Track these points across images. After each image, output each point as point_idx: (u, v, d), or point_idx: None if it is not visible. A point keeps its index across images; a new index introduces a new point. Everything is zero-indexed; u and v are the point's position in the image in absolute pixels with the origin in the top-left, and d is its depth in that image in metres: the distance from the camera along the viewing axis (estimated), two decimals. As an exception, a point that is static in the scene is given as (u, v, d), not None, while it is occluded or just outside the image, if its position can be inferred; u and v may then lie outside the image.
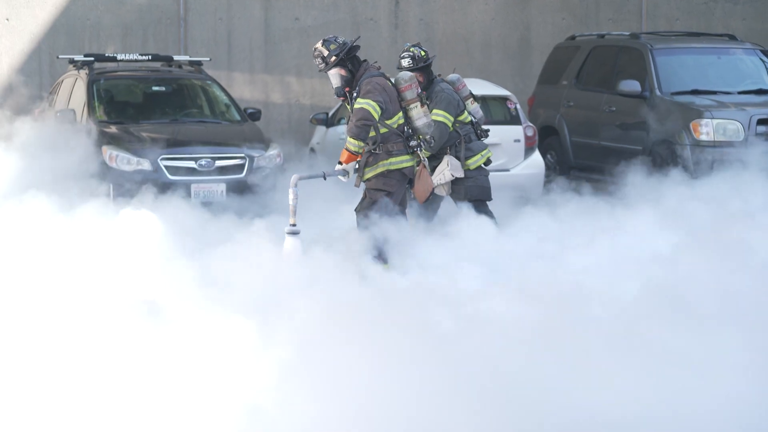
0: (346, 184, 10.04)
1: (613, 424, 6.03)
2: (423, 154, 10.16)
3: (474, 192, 10.91)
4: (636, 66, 15.45)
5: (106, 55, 15.13)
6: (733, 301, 7.47)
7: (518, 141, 14.32)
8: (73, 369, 6.49)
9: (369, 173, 9.85)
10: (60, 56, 15.98)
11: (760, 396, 6.25)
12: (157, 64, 15.29)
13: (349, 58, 9.95)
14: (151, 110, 14.51)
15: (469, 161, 10.93)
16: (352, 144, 9.69)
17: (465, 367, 6.29)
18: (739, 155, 13.76)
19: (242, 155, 13.39)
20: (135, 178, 12.93)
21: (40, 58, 17.97)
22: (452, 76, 11.24)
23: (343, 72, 9.94)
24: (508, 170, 14.13)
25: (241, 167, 13.33)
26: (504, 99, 14.60)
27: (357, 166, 9.83)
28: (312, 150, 16.27)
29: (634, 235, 10.07)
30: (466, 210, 10.82)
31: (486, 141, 11.19)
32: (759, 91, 15.22)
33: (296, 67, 18.79)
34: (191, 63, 15.26)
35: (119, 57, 14.87)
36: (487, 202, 11.00)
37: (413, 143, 9.93)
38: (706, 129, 14.17)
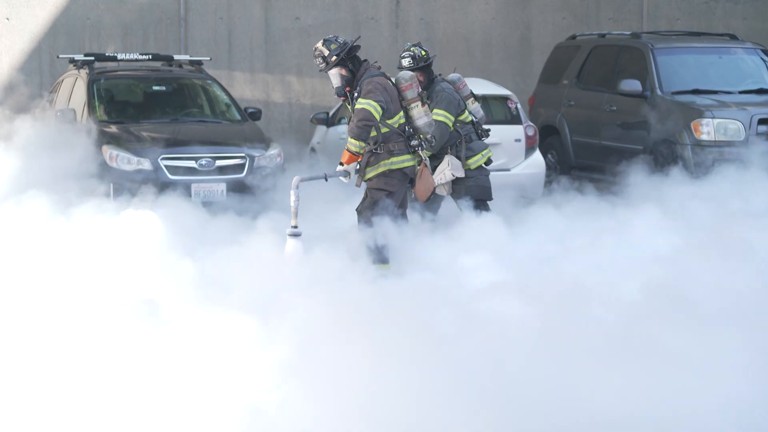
0: (347, 185, 10.03)
1: (614, 424, 6.03)
2: (424, 154, 10.16)
3: (475, 192, 10.90)
4: (637, 65, 15.44)
5: (107, 54, 15.12)
6: (733, 301, 7.47)
7: (519, 140, 14.31)
8: (73, 370, 6.48)
9: (370, 173, 9.84)
10: (60, 56, 15.98)
11: (760, 396, 6.25)
12: (158, 64, 15.29)
13: (349, 58, 9.94)
14: (152, 110, 14.50)
15: (470, 161, 10.92)
16: (354, 145, 9.68)
17: (465, 367, 6.29)
18: (740, 155, 13.75)
19: (243, 155, 13.37)
20: (135, 177, 12.92)
21: (41, 58, 17.97)
22: (453, 76, 11.23)
23: (343, 72, 9.93)
24: (508, 170, 14.12)
25: (241, 167, 13.32)
26: (505, 98, 14.59)
27: (358, 167, 9.82)
28: (312, 150, 16.27)
29: (635, 235, 10.06)
30: (467, 210, 10.81)
31: (487, 141, 11.19)
32: (760, 91, 15.20)
33: (297, 67, 18.79)
34: (192, 62, 15.25)
35: (119, 56, 14.86)
36: (488, 202, 10.99)
37: (414, 143, 9.92)
38: (707, 129, 14.16)
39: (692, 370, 6.39)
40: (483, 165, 11.00)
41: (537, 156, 14.47)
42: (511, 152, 14.20)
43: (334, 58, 9.88)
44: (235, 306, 7.16)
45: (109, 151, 13.13)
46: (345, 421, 5.99)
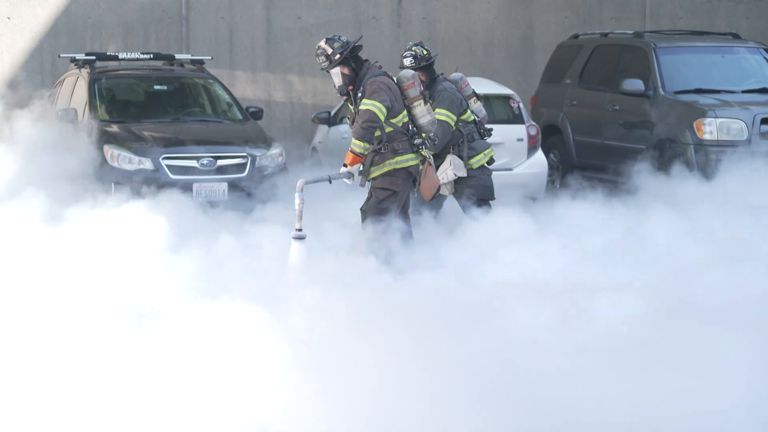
0: (351, 185, 10.00)
1: (614, 424, 6.01)
2: (427, 153, 10.13)
3: (477, 191, 10.89)
4: (639, 65, 15.41)
5: (108, 53, 15.10)
6: (735, 301, 7.45)
7: (521, 140, 14.30)
8: (75, 371, 6.46)
9: (375, 172, 9.82)
10: (61, 55, 15.97)
11: (761, 396, 6.22)
12: (159, 63, 15.27)
13: (352, 57, 9.92)
14: (153, 109, 14.48)
15: (472, 160, 10.92)
16: (358, 146, 9.64)
17: (467, 368, 6.27)
18: (743, 154, 13.72)
19: (244, 154, 13.36)
20: (136, 177, 12.90)
21: (42, 57, 17.94)
22: (455, 75, 11.22)
23: (346, 71, 9.91)
24: (511, 169, 14.10)
25: (242, 166, 13.30)
26: (507, 98, 14.57)
27: (362, 167, 9.79)
28: (314, 149, 16.26)
29: (637, 234, 10.05)
30: (469, 209, 10.80)
31: (489, 140, 11.18)
32: (763, 90, 15.18)
33: (298, 66, 18.76)
34: (193, 62, 15.24)
35: (121, 56, 14.84)
36: (490, 202, 10.98)
37: (417, 141, 9.90)
38: (710, 128, 14.13)
39: (692, 370, 6.36)
40: (485, 164, 10.99)
41: (539, 155, 14.46)
42: (513, 152, 14.19)
43: (338, 56, 9.85)
44: (239, 307, 7.14)
45: (111, 151, 13.11)
46: (346, 421, 5.97)
